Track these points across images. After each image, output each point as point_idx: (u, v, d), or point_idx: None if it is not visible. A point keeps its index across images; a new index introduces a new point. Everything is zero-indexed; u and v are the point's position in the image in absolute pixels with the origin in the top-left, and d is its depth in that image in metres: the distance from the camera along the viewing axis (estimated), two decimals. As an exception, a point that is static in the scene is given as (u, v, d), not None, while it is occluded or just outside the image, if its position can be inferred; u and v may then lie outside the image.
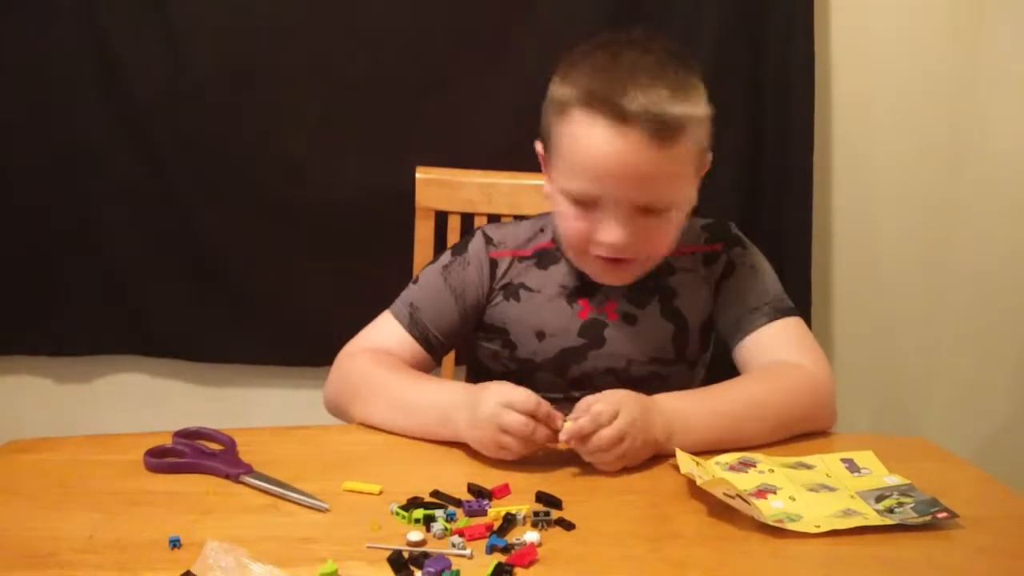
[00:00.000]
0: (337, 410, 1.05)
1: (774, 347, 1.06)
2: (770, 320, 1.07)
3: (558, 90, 1.01)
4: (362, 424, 1.00)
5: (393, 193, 1.44)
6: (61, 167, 1.46)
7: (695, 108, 0.98)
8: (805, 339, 1.08)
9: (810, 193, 1.51)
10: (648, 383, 1.08)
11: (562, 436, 0.89)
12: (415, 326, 1.08)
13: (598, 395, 0.91)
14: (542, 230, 1.14)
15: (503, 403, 0.89)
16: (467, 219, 1.39)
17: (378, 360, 1.05)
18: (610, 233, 0.99)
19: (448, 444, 0.95)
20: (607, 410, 0.89)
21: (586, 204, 0.99)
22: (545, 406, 0.90)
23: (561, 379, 1.10)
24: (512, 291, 1.11)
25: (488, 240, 1.13)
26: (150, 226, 1.50)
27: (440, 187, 1.40)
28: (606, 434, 0.88)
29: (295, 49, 1.44)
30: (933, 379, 1.69)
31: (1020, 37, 1.53)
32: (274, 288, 1.53)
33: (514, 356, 1.11)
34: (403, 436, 0.97)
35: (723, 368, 1.11)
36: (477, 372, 1.20)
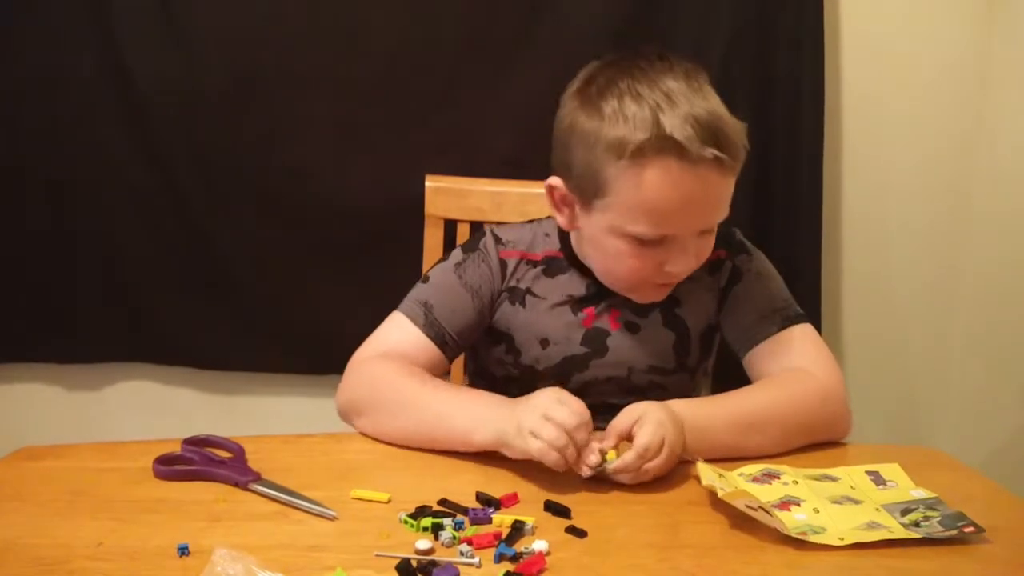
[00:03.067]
0: (348, 418, 1.04)
1: (785, 355, 1.05)
2: (780, 329, 1.07)
3: (609, 130, 0.95)
4: (367, 435, 0.99)
5: (402, 201, 1.44)
6: (71, 175, 1.47)
7: (741, 122, 0.98)
8: (816, 346, 1.07)
9: (820, 199, 1.51)
10: (648, 392, 1.08)
11: (608, 468, 0.87)
12: (431, 326, 1.06)
13: (635, 415, 0.89)
14: (547, 235, 1.13)
15: (559, 399, 0.88)
16: (476, 227, 1.39)
17: (397, 368, 1.02)
18: (680, 264, 1.00)
19: (456, 454, 0.95)
20: (655, 444, 0.87)
21: (650, 242, 0.98)
22: (585, 431, 0.87)
23: (562, 387, 1.09)
24: (519, 296, 1.11)
25: (497, 240, 1.13)
26: (160, 234, 1.50)
27: (449, 195, 1.41)
28: (653, 467, 0.88)
29: (305, 57, 1.44)
30: (944, 387, 1.67)
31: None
32: (283, 296, 1.53)
33: (518, 362, 1.11)
34: (415, 448, 0.96)
35: (732, 376, 1.10)
36: (479, 376, 1.20)
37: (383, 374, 1.01)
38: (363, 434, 1.00)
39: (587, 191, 1.00)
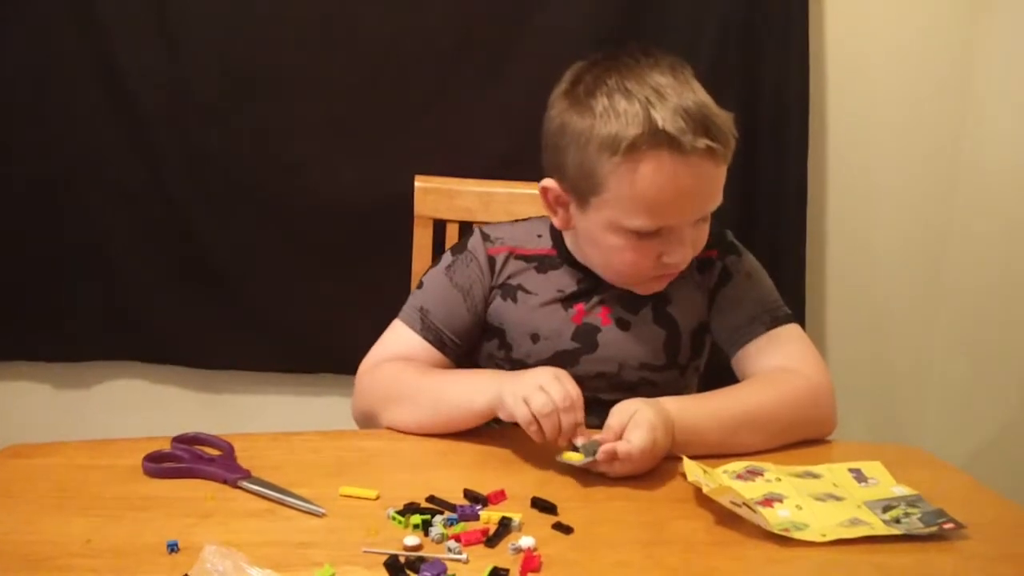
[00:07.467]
0: (368, 422, 1.06)
1: (773, 355, 1.07)
2: (768, 329, 1.08)
3: (601, 128, 0.96)
4: (393, 429, 1.01)
5: (392, 201, 1.44)
6: (62, 174, 1.47)
7: (728, 112, 1.00)
8: (804, 346, 1.09)
9: (804, 201, 1.52)
10: (638, 388, 1.08)
11: (598, 456, 0.88)
12: (428, 330, 1.09)
13: (627, 415, 0.90)
14: (539, 236, 1.14)
15: (556, 375, 0.92)
16: (465, 227, 1.39)
17: (405, 366, 1.06)
18: (677, 254, 1.01)
19: (444, 450, 0.96)
20: (648, 445, 0.89)
21: (648, 235, 1.00)
22: (572, 414, 0.91)
23: None
24: (510, 291, 1.12)
25: (485, 237, 1.14)
26: (149, 232, 1.50)
27: (438, 195, 1.41)
28: (647, 464, 0.90)
29: (296, 57, 1.44)
30: (927, 386, 1.69)
31: (1015, 47, 1.54)
32: (273, 295, 1.53)
33: (509, 357, 1.12)
34: (433, 434, 0.99)
35: (720, 375, 1.11)
36: None
37: (392, 373, 1.06)
38: (389, 429, 1.02)
39: (582, 190, 1.01)
